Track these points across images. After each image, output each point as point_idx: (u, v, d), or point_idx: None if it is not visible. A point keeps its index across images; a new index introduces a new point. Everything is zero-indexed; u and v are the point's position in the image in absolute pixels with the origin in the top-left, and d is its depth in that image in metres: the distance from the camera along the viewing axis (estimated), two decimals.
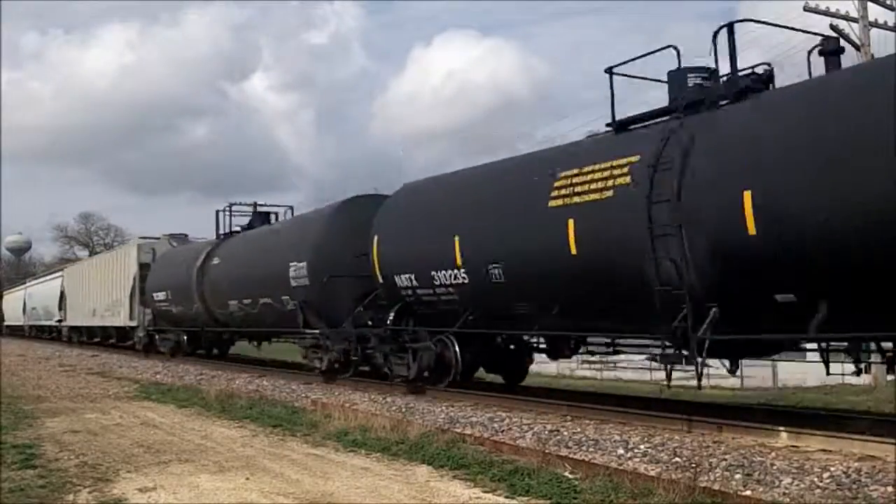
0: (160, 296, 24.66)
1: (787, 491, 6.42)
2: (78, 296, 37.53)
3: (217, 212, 22.99)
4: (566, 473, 7.04)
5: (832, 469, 6.80)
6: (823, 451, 7.62)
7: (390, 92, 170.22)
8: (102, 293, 32.51)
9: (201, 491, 6.97)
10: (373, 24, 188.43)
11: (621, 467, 7.32)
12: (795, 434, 8.16)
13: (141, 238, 30.60)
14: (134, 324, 28.14)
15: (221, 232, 22.85)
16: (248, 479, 7.42)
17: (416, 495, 6.70)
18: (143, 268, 27.57)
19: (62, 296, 41.00)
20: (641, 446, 8.23)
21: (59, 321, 41.72)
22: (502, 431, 9.64)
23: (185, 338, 24.31)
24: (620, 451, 8.16)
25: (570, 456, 7.90)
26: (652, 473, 6.96)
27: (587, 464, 7.38)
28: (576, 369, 27.55)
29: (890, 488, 6.19)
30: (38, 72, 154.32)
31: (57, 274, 45.41)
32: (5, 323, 64.03)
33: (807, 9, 22.44)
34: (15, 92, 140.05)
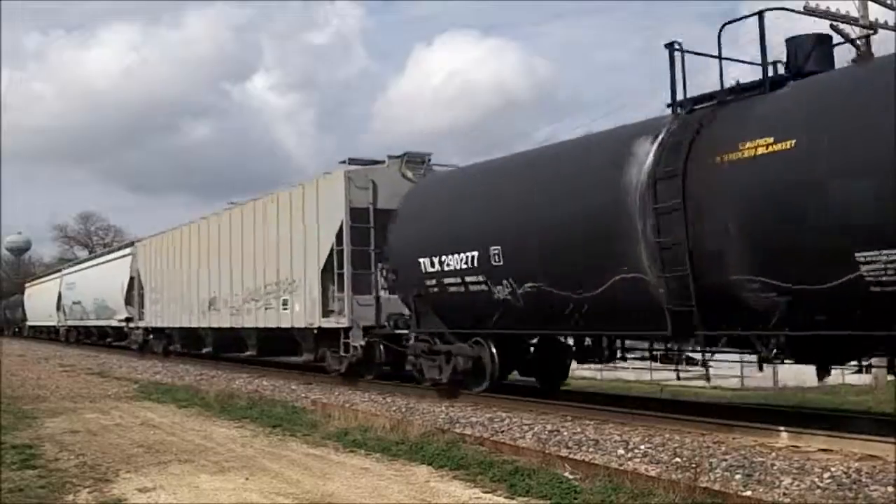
0: (450, 263, 11.80)
1: (787, 491, 6.42)
2: (171, 281, 24.84)
3: (673, 46, 9.28)
4: (566, 474, 7.03)
5: (832, 469, 6.80)
6: (824, 451, 7.62)
7: (391, 92, 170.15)
8: (239, 272, 19.56)
9: (201, 491, 6.97)
10: (374, 24, 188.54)
11: (621, 467, 7.32)
12: (796, 434, 8.16)
13: (349, 162, 15.92)
14: (340, 322, 15.14)
15: (681, 98, 9.37)
16: (247, 479, 7.42)
17: (416, 495, 6.70)
18: (358, 217, 15.07)
19: (133, 284, 28.40)
20: (641, 446, 8.23)
21: (127, 320, 29.01)
22: (502, 431, 9.64)
23: (494, 350, 11.90)
24: (620, 451, 8.17)
25: (570, 456, 7.90)
26: (652, 474, 6.96)
27: (587, 464, 7.38)
28: (576, 369, 27.36)
29: (890, 488, 6.19)
30: (39, 72, 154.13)
31: (122, 252, 31.89)
32: (28, 323, 53.01)
33: (807, 9, 22.42)
34: (16, 92, 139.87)
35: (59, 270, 44.35)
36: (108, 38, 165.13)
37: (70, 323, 39.88)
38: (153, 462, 8.26)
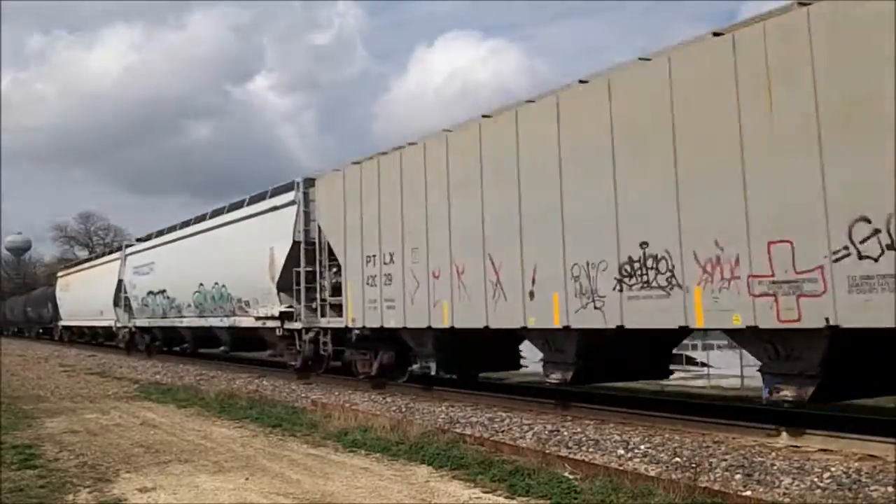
0: None
1: (787, 491, 6.42)
2: (440, 236, 11.93)
3: None
4: (566, 473, 7.03)
5: (832, 469, 6.80)
6: (823, 451, 7.62)
7: (392, 92, 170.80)
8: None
9: (201, 491, 6.97)
10: (375, 25, 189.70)
11: (621, 467, 7.32)
12: (796, 434, 8.16)
13: None
14: None
15: None
16: (247, 479, 7.42)
17: (416, 495, 6.70)
18: None
19: (297, 254, 16.12)
20: (641, 446, 8.23)
21: (284, 316, 16.66)
22: (502, 431, 9.65)
23: None
24: (620, 451, 8.17)
25: (570, 456, 7.90)
26: (652, 474, 6.96)
27: (587, 464, 7.38)
28: None
29: (890, 488, 6.20)
30: (41, 72, 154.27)
31: (270, 202, 17.61)
32: (62, 322, 40.93)
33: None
34: (18, 92, 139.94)
35: (120, 248, 31.04)
36: (111, 38, 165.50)
37: (143, 323, 27.07)
38: (153, 462, 8.26)
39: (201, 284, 21.16)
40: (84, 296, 35.15)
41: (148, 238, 27.72)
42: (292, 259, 16.24)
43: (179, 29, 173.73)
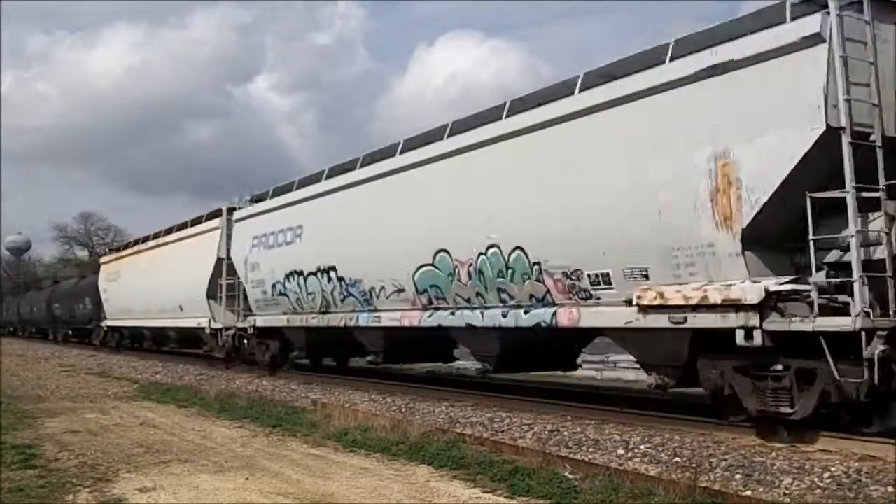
0: None
1: (787, 491, 6.42)
2: None
3: None
4: (566, 473, 7.03)
5: (832, 469, 6.80)
6: (823, 451, 7.61)
7: (393, 93, 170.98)
8: None
9: (201, 491, 6.96)
10: (376, 26, 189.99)
11: (621, 467, 7.32)
12: (796, 434, 8.15)
13: None
14: None
15: None
16: (247, 479, 7.42)
17: (416, 495, 6.70)
18: None
19: None
20: (641, 446, 8.23)
21: None
22: (502, 431, 9.64)
23: None
24: (620, 451, 8.17)
25: (570, 456, 7.90)
26: (652, 473, 6.96)
27: (587, 464, 7.38)
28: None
29: (890, 488, 6.20)
30: (43, 72, 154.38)
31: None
32: (107, 322, 31.18)
33: None
34: (20, 92, 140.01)
35: (215, 214, 21.35)
36: (112, 38, 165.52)
37: (269, 322, 17.87)
38: (153, 462, 8.26)
39: (441, 252, 11.87)
40: (148, 286, 25.18)
41: (283, 190, 17.46)
42: (808, 171, 7.23)
43: (181, 29, 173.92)
